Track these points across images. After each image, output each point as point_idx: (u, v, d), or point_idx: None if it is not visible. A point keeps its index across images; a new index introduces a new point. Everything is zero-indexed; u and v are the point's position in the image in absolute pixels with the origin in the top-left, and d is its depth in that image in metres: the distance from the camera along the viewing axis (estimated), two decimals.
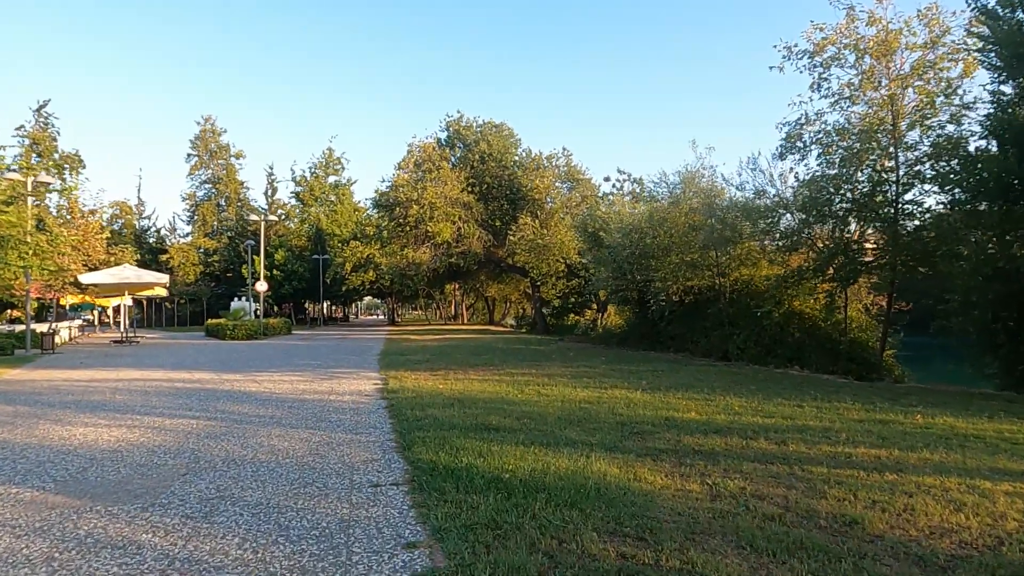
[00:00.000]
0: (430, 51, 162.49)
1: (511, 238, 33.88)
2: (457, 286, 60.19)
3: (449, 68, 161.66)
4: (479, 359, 17.13)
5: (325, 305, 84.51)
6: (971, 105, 13.95)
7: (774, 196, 17.10)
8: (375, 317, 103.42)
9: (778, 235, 16.93)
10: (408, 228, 35.16)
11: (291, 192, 70.35)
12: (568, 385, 11.13)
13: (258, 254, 60.55)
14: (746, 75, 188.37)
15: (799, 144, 15.37)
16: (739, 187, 17.77)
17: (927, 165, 14.32)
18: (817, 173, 15.25)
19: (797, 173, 15.55)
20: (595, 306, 34.71)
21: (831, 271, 15.50)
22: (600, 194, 36.34)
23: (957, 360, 36.38)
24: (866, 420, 7.60)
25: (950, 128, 14.14)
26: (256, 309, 53.93)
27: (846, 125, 15.40)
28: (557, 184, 36.85)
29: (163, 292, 30.89)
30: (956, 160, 13.57)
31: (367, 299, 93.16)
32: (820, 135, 15.29)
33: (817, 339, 16.89)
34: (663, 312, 21.17)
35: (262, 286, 34.29)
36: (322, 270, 57.03)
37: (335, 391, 10.99)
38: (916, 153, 14.66)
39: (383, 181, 48.43)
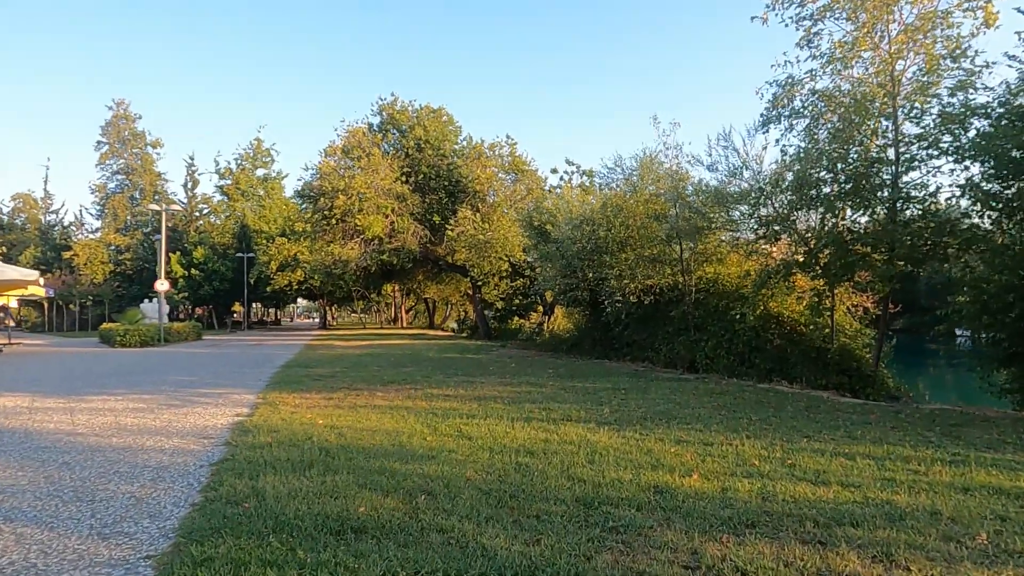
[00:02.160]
0: (367, 36, 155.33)
1: (449, 233, 30.61)
2: (397, 287, 56.45)
3: (387, 53, 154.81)
4: (399, 373, 13.86)
5: (255, 307, 79.39)
6: (989, 66, 11.64)
7: (750, 178, 14.50)
8: (311, 320, 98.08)
9: (757, 223, 14.29)
10: (334, 221, 31.41)
11: (216, 185, 65.19)
12: (503, 416, 8.03)
13: (174, 251, 55.52)
14: (718, 49, 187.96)
15: (786, 111, 12.73)
16: (710, 167, 15.12)
17: (932, 139, 11.88)
18: (804, 149, 12.66)
19: (785, 147, 12.93)
20: (541, 309, 31.86)
21: (819, 266, 12.98)
22: (547, 187, 33.50)
23: (953, 368, 35.13)
24: (967, 485, 4.78)
25: (959, 96, 11.76)
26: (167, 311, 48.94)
27: (837, 93, 12.91)
28: (500, 175, 33.80)
29: (39, 292, 26.28)
30: (973, 130, 11.21)
31: (303, 302, 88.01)
32: (809, 103, 12.72)
33: (800, 347, 14.37)
34: (619, 315, 18.40)
35: (162, 285, 29.96)
36: (246, 269, 52.46)
37: (168, 428, 7.58)
38: (920, 127, 12.24)
39: (307, 169, 44.31)
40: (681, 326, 17.05)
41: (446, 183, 33.26)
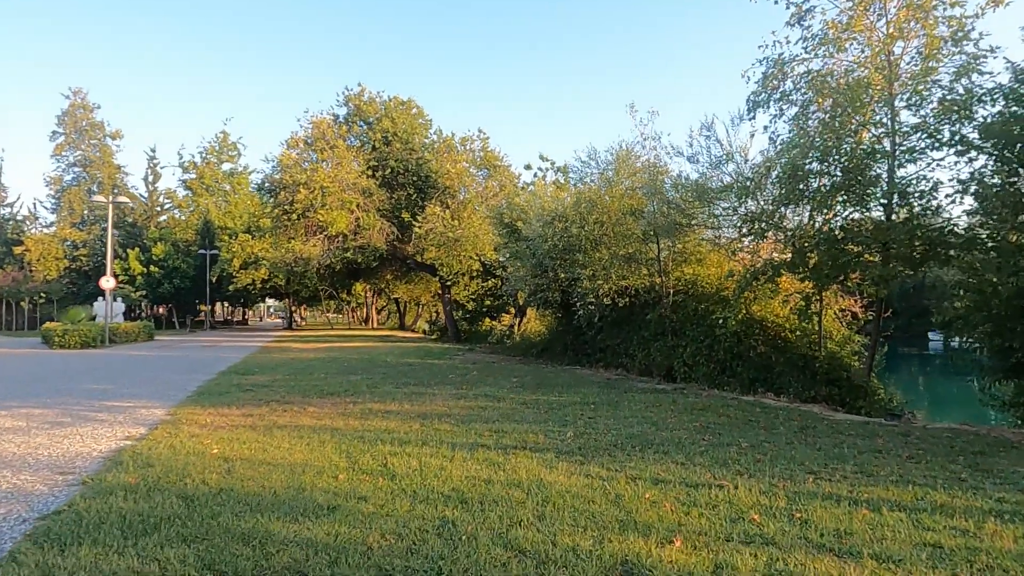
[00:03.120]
0: (339, 27, 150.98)
1: (417, 230, 29.14)
2: (369, 287, 54.66)
3: (360, 45, 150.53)
4: (344, 382, 12.40)
5: (218, 307, 76.80)
6: (994, 50, 10.59)
7: (734, 171, 13.32)
8: (281, 320, 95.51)
9: (741, 220, 13.08)
10: (295, 217, 29.71)
11: (179, 180, 62.76)
12: (445, 442, 6.66)
13: (132, 247, 53.09)
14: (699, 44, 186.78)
15: (776, 94, 11.53)
16: (691, 158, 13.90)
17: (932, 129, 10.78)
18: (794, 137, 11.49)
19: (774, 134, 11.72)
20: (513, 310, 30.52)
21: (808, 267, 11.83)
22: (521, 184, 32.18)
23: (927, 374, 34.37)
24: None
25: (963, 82, 10.69)
26: (130, 309, 46.66)
27: (830, 79, 11.77)
28: (472, 171, 32.38)
29: None
30: (980, 118, 10.15)
31: (272, 301, 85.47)
32: (802, 85, 11.55)
33: (786, 355, 13.23)
34: (591, 318, 17.12)
35: (108, 282, 27.99)
36: (208, 267, 50.32)
37: (27, 458, 6.06)
38: (920, 116, 11.17)
39: (267, 161, 42.41)
40: (658, 331, 15.84)
41: (415, 178, 31.74)
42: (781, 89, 11.47)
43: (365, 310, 69.18)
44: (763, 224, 11.93)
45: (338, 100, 33.50)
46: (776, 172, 11.35)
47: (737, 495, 4.68)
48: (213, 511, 4.22)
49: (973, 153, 10.28)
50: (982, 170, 10.22)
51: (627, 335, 16.90)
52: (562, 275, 18.37)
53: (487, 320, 33.24)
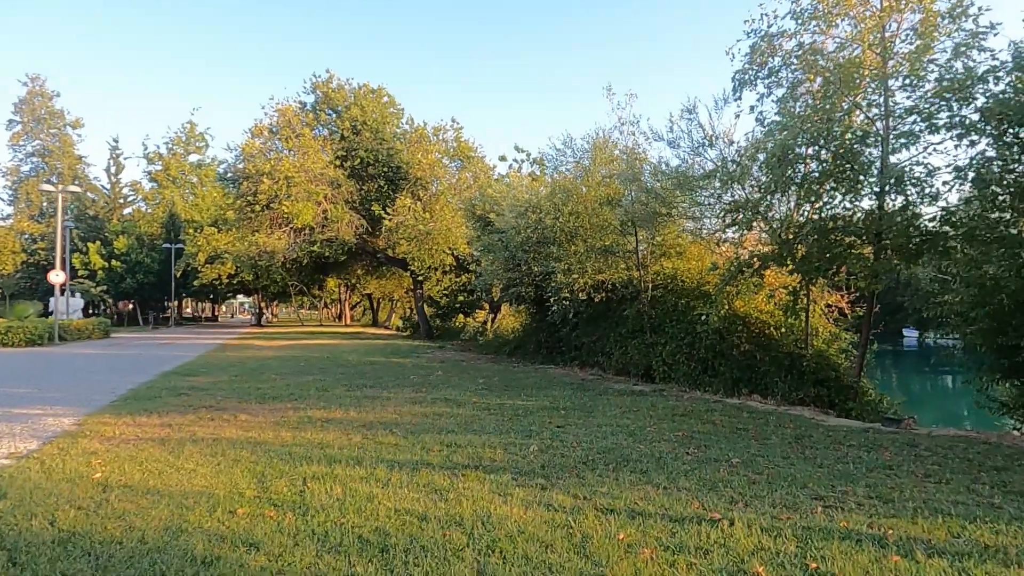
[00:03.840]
0: (309, 16, 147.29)
1: (387, 223, 27.94)
2: (342, 283, 53.15)
3: (327, 35, 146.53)
4: (294, 384, 11.30)
5: (188, 303, 74.64)
6: (994, 26, 9.81)
7: (717, 158, 12.43)
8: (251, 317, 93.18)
9: (724, 209, 12.19)
10: (259, 208, 28.34)
11: (144, 171, 60.62)
12: (384, 459, 5.63)
13: (94, 240, 50.93)
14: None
15: (764, 71, 10.62)
16: (671, 143, 12.98)
17: (928, 111, 9.97)
18: (781, 120, 10.60)
19: (762, 114, 10.80)
20: (487, 306, 29.48)
21: (796, 259, 11.01)
22: (496, 176, 31.11)
23: (918, 373, 33.85)
24: None
25: (961, 62, 9.90)
26: (92, 305, 44.75)
27: (819, 58, 10.92)
28: (445, 162, 31.23)
29: None
30: (981, 98, 9.37)
31: (243, 297, 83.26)
32: (794, 59, 10.66)
33: (771, 353, 12.40)
34: (565, 314, 16.17)
35: (57, 277, 26.36)
36: (173, 262, 48.48)
37: None
38: (915, 97, 10.37)
39: (229, 150, 40.81)
40: (635, 328, 14.94)
41: (385, 169, 30.51)
42: (769, 65, 10.58)
43: (339, 306, 67.62)
44: (748, 213, 11.05)
45: (305, 87, 32.15)
46: (764, 156, 10.45)
47: (734, 534, 3.72)
48: (37, 572, 3.15)
49: (974, 136, 9.48)
50: (983, 155, 9.45)
51: (603, 332, 15.99)
52: (536, 269, 17.41)
53: (460, 317, 32.15)
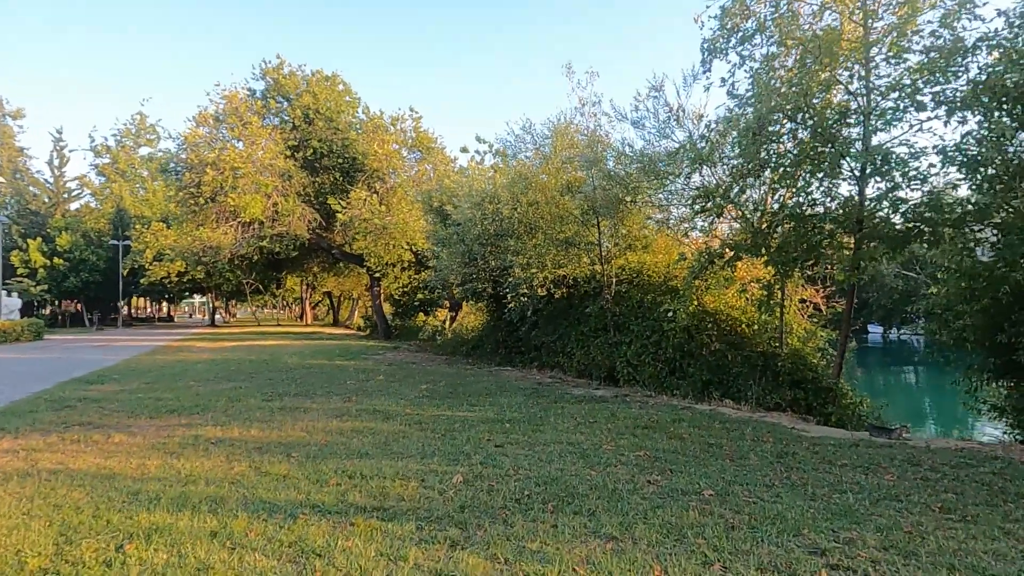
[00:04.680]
0: (266, 7, 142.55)
1: (341, 216, 26.44)
2: (303, 281, 51.13)
3: (282, 24, 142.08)
4: (209, 392, 9.87)
5: (142, 302, 71.57)
6: None
7: (686, 140, 11.33)
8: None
9: (692, 198, 11.08)
10: (202, 201, 26.55)
11: (90, 164, 57.68)
12: (257, 501, 4.33)
13: (34, 236, 48.04)
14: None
15: (737, 37, 9.50)
16: (635, 123, 11.85)
17: (911, 88, 9.01)
18: (755, 92, 9.51)
19: (734, 86, 9.68)
20: (448, 304, 28.16)
21: (769, 250, 9.98)
22: (457, 168, 29.76)
23: (882, 368, 33.35)
24: None
25: (947, 34, 8.97)
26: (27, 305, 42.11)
27: (795, 29, 9.90)
28: (403, 153, 29.77)
29: None
30: (975, 68, 8.44)
31: (200, 297, 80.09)
32: (763, 30, 9.59)
33: (743, 352, 11.38)
34: (523, 312, 14.98)
35: None
36: (120, 259, 46.00)
37: None
38: (900, 70, 9.42)
39: (169, 138, 38.66)
40: (598, 326, 13.83)
41: (340, 160, 28.92)
42: (742, 31, 9.47)
43: (301, 306, 65.42)
44: (718, 199, 9.95)
45: (254, 73, 30.31)
46: (736, 133, 9.36)
47: None
48: None
49: (965, 113, 8.52)
50: (972, 135, 8.51)
51: (564, 331, 14.84)
52: (493, 263, 16.20)
53: (420, 315, 30.76)
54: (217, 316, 66.76)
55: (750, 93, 9.07)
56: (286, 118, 29.59)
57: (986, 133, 8.29)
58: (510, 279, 15.04)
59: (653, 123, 11.50)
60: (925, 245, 9.25)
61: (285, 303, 77.74)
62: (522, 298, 14.61)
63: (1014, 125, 7.94)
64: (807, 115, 9.20)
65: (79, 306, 52.20)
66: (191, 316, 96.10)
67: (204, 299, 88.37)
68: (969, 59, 8.51)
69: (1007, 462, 5.84)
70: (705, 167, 11.30)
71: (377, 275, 28.31)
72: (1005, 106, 8.12)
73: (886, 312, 54.40)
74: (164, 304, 74.30)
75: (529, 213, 14.98)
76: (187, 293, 61.15)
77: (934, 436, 13.41)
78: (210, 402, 8.86)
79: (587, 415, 7.96)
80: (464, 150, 47.43)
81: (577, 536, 3.64)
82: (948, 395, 24.33)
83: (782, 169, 9.90)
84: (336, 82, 30.24)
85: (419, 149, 29.73)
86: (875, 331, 59.55)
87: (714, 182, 10.70)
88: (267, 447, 5.96)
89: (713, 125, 9.32)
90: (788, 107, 9.01)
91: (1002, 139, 8.11)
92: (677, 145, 11.22)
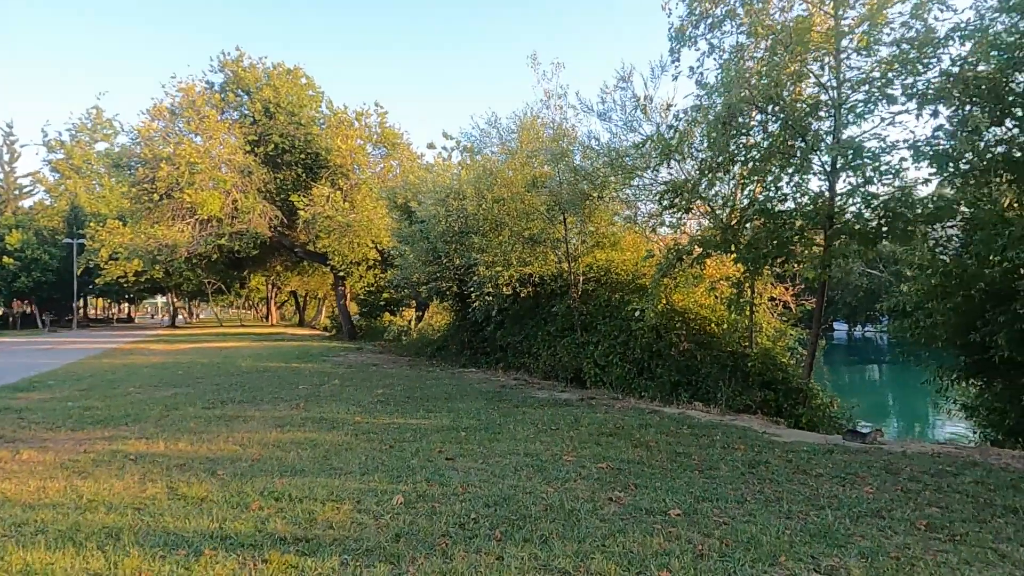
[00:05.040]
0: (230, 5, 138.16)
1: (302, 213, 25.63)
2: (269, 280, 49.75)
3: (245, 18, 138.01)
4: (146, 400, 9.17)
5: (102, 303, 69.19)
6: None
7: (653, 133, 10.94)
8: (179, 318, 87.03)
9: (660, 194, 10.69)
10: (156, 197, 25.49)
11: (43, 160, 55.40)
12: (158, 535, 3.75)
13: None
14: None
15: (708, 21, 9.12)
16: (601, 115, 11.44)
17: (882, 80, 8.75)
18: (724, 80, 9.13)
19: (703, 76, 9.28)
20: (414, 303, 27.49)
21: (738, 248, 9.65)
22: (423, 164, 29.09)
23: (847, 366, 33.46)
24: None
25: (918, 25, 8.74)
26: None
27: (765, 18, 9.57)
28: (368, 149, 29.00)
29: None
30: (947, 59, 8.23)
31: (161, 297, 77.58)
32: (733, 16, 9.22)
33: (712, 352, 11.06)
34: (488, 311, 14.49)
35: None
36: (75, 258, 44.20)
37: None
38: (871, 62, 9.18)
39: (124, 132, 37.27)
40: (565, 325, 13.41)
41: (303, 156, 28.05)
42: (711, 17, 9.09)
43: (268, 305, 63.82)
44: (687, 194, 9.57)
45: (212, 66, 29.22)
46: (705, 124, 8.99)
47: None
48: None
49: (937, 106, 8.28)
50: (943, 128, 8.27)
51: (531, 331, 14.39)
52: (458, 261, 15.68)
53: (387, 315, 30.04)
54: (179, 317, 64.95)
55: (719, 82, 8.68)
56: (246, 112, 28.61)
57: (959, 126, 8.05)
58: (474, 277, 14.55)
59: (620, 116, 11.12)
60: (896, 242, 9.04)
61: (251, 303, 75.93)
62: (487, 297, 14.13)
63: (987, 118, 7.71)
64: (777, 107, 8.89)
65: (31, 307, 50.13)
66: (153, 317, 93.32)
67: (161, 300, 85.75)
68: (941, 50, 8.29)
69: (987, 469, 5.54)
70: (674, 161, 10.95)
71: (341, 274, 27.53)
72: (976, 99, 7.89)
73: (851, 310, 55.18)
74: (124, 305, 72.00)
75: (494, 209, 14.50)
76: (146, 293, 59.23)
77: (904, 437, 13.27)
78: (144, 411, 8.17)
79: (549, 421, 7.50)
80: (431, 146, 46.33)
81: (525, 571, 3.16)
82: (913, 392, 24.67)
83: (752, 163, 9.59)
84: (298, 76, 29.33)
85: (385, 145, 29.00)
86: (840, 329, 60.40)
87: (683, 177, 10.35)
88: (192, 463, 5.36)
89: (682, 115, 8.92)
90: (758, 97, 8.66)
91: (974, 133, 7.87)
92: (644, 138, 10.82)
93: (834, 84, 9.40)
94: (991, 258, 7.57)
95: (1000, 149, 8.07)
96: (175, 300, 51.64)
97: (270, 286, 54.40)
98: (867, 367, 35.14)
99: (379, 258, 26.83)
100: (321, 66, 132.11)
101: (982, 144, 8.05)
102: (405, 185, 21.25)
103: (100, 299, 64.29)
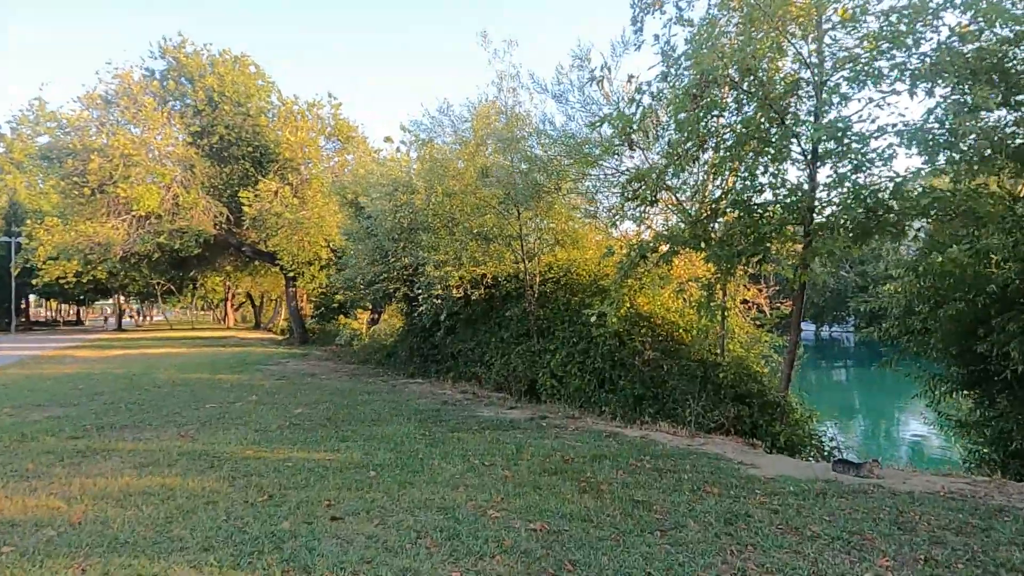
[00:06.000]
0: None
1: (247, 210, 23.93)
2: (225, 282, 47.48)
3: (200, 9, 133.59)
4: (13, 424, 7.61)
5: (52, 305, 65.94)
6: None
7: (615, 117, 9.71)
8: (135, 320, 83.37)
9: (623, 186, 9.47)
10: (88, 191, 23.55)
11: None
12: None
13: None
14: None
15: None
16: (557, 97, 10.21)
17: (868, 59, 7.69)
18: (694, 48, 7.94)
19: (669, 44, 8.06)
20: (371, 305, 25.97)
21: (709, 244, 8.51)
22: (381, 158, 27.59)
23: (813, 367, 32.89)
24: None
25: None
26: None
27: None
28: (322, 142, 27.37)
29: None
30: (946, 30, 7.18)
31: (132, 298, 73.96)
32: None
33: (681, 362, 9.89)
34: (437, 315, 13.14)
35: None
36: (12, 258, 41.52)
37: None
38: (860, 33, 8.11)
39: (53, 122, 35.04)
40: (521, 331, 12.16)
41: (250, 149, 26.28)
42: None
43: (226, 307, 61.25)
44: (653, 181, 8.36)
45: (152, 52, 27.27)
46: (671, 102, 7.79)
47: None
48: None
49: (936, 81, 7.22)
50: (941, 106, 7.22)
51: (483, 337, 13.09)
52: (406, 261, 14.30)
53: (342, 318, 28.43)
54: (130, 319, 62.19)
55: (689, 50, 7.46)
56: (189, 102, 26.72)
57: (956, 106, 6.98)
58: (421, 278, 13.21)
59: (578, 97, 9.87)
60: (886, 238, 7.96)
61: (212, 305, 73.04)
62: (434, 300, 12.79)
63: (997, 95, 6.64)
64: (754, 81, 7.74)
65: None
66: (106, 320, 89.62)
67: (112, 302, 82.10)
68: (937, 21, 7.23)
69: (1016, 518, 4.41)
70: (638, 150, 9.76)
71: (291, 274, 25.87)
72: (980, 76, 6.83)
73: (818, 310, 55.10)
74: (74, 307, 68.61)
75: (445, 204, 13.20)
76: (96, 295, 56.32)
77: (892, 456, 12.33)
78: (18, 436, 6.66)
79: (486, 452, 6.20)
80: (388, 140, 44.96)
81: None
82: (880, 394, 24.20)
83: (725, 149, 8.45)
84: (246, 64, 27.50)
85: (339, 138, 27.41)
86: (808, 329, 60.50)
87: (646, 162, 9.17)
88: None
89: (644, 87, 7.68)
90: (732, 69, 7.48)
91: (973, 112, 6.81)
92: (602, 116, 9.54)
93: (816, 61, 8.31)
94: (999, 257, 6.54)
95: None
96: (122, 302, 49.05)
97: (227, 288, 52.14)
98: (834, 369, 34.76)
99: (332, 258, 25.28)
100: (285, 59, 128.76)
101: (986, 126, 7.02)
102: (356, 179, 19.79)
103: (50, 300, 61.18)
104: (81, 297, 56.97)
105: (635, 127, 7.84)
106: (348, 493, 4.75)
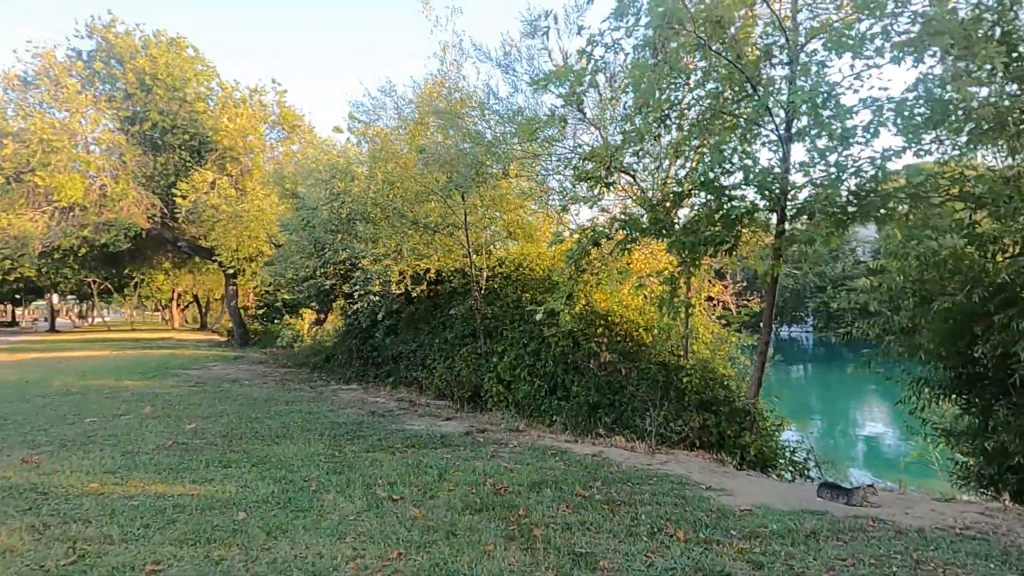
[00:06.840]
0: None
1: (181, 202, 22.15)
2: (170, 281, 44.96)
3: None
4: None
5: None
6: None
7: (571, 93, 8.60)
8: (85, 321, 79.06)
9: (576, 168, 8.38)
10: (1, 179, 21.50)
11: None
12: None
13: None
14: None
15: None
16: (504, 66, 9.06)
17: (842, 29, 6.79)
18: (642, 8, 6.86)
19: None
20: (315, 305, 24.43)
21: (671, 231, 7.47)
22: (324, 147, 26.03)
23: (783, 365, 32.50)
24: None
25: None
26: None
27: None
28: (266, 131, 25.69)
29: None
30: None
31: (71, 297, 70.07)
32: None
33: (640, 365, 8.83)
34: (374, 314, 11.87)
35: None
36: None
37: None
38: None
39: None
40: (466, 332, 10.98)
41: (187, 137, 24.43)
42: None
43: (170, 307, 58.37)
44: (608, 158, 7.27)
45: (78, 32, 25.18)
46: (629, 60, 6.72)
47: None
48: None
49: (925, 48, 6.31)
50: (931, 78, 6.34)
51: (426, 338, 11.86)
52: (343, 255, 12.96)
53: (287, 318, 26.78)
54: (67, 320, 58.89)
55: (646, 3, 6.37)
56: (120, 85, 24.74)
57: (952, 73, 6.08)
58: (357, 273, 11.93)
59: (526, 68, 8.73)
60: (869, 222, 7.04)
61: (160, 304, 69.68)
62: (372, 297, 11.52)
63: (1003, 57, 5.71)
64: (724, 42, 6.71)
65: None
66: (46, 320, 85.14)
67: (59, 300, 77.93)
68: None
69: None
70: (593, 128, 8.69)
71: (231, 272, 24.16)
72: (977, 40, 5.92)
73: (777, 310, 55.37)
74: (9, 307, 64.62)
75: (385, 190, 11.94)
76: (24, 295, 52.91)
77: (887, 475, 11.52)
78: None
79: (399, 479, 4.99)
80: (338, 130, 42.87)
81: None
82: (843, 392, 23.87)
83: (689, 125, 7.44)
84: (183, 46, 25.63)
85: (284, 127, 25.78)
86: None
87: (600, 138, 8.09)
88: None
89: (597, 37, 6.54)
90: (699, 23, 6.41)
91: (977, 77, 5.92)
92: (547, 73, 8.38)
93: (791, 27, 7.34)
94: (1008, 242, 5.65)
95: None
96: (56, 302, 46.13)
97: (173, 287, 49.51)
98: (793, 366, 34.68)
99: (275, 253, 23.68)
100: (231, 43, 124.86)
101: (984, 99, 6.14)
102: (297, 169, 18.32)
103: None
104: (17, 297, 53.63)
105: (586, 85, 6.71)
106: (189, 550, 3.50)
